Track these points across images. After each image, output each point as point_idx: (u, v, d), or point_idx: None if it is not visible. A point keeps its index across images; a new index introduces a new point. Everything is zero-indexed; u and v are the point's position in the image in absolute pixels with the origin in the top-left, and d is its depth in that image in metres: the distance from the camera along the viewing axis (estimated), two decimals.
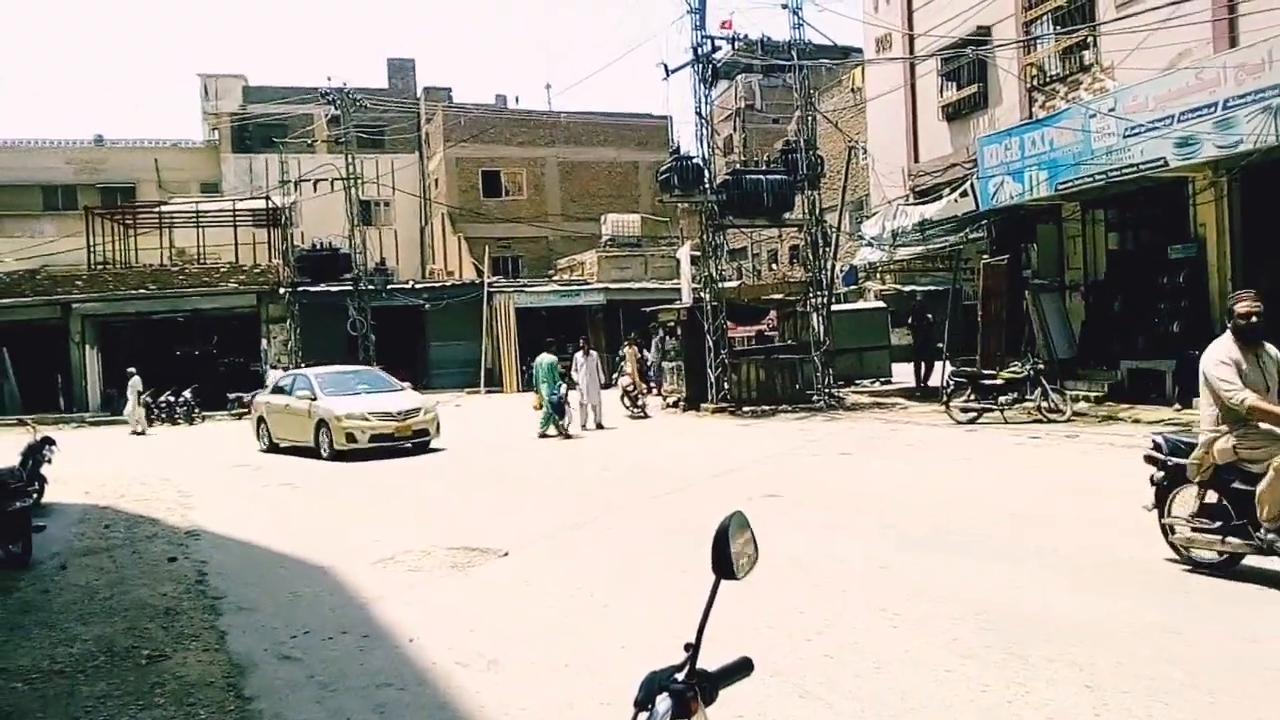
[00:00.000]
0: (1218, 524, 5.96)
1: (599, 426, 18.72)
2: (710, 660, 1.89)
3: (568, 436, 17.56)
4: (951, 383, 16.46)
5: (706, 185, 20.52)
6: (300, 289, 30.71)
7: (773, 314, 25.30)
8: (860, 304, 26.81)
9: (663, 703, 1.79)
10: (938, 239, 19.89)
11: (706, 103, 20.84)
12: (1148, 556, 6.61)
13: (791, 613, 5.78)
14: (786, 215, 22.02)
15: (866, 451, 13.52)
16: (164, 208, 35.22)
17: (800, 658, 5.01)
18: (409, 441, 16.00)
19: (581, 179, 43.38)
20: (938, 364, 20.23)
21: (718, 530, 1.93)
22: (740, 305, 23.60)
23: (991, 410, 15.41)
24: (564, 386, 18.10)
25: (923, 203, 19.87)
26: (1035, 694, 4.36)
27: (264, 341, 30.38)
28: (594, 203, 42.16)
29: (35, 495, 10.03)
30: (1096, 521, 7.92)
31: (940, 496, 9.63)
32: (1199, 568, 6.20)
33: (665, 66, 20.70)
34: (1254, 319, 5.88)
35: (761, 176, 20.95)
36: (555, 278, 36.94)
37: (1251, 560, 6.01)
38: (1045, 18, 18.05)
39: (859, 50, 25.29)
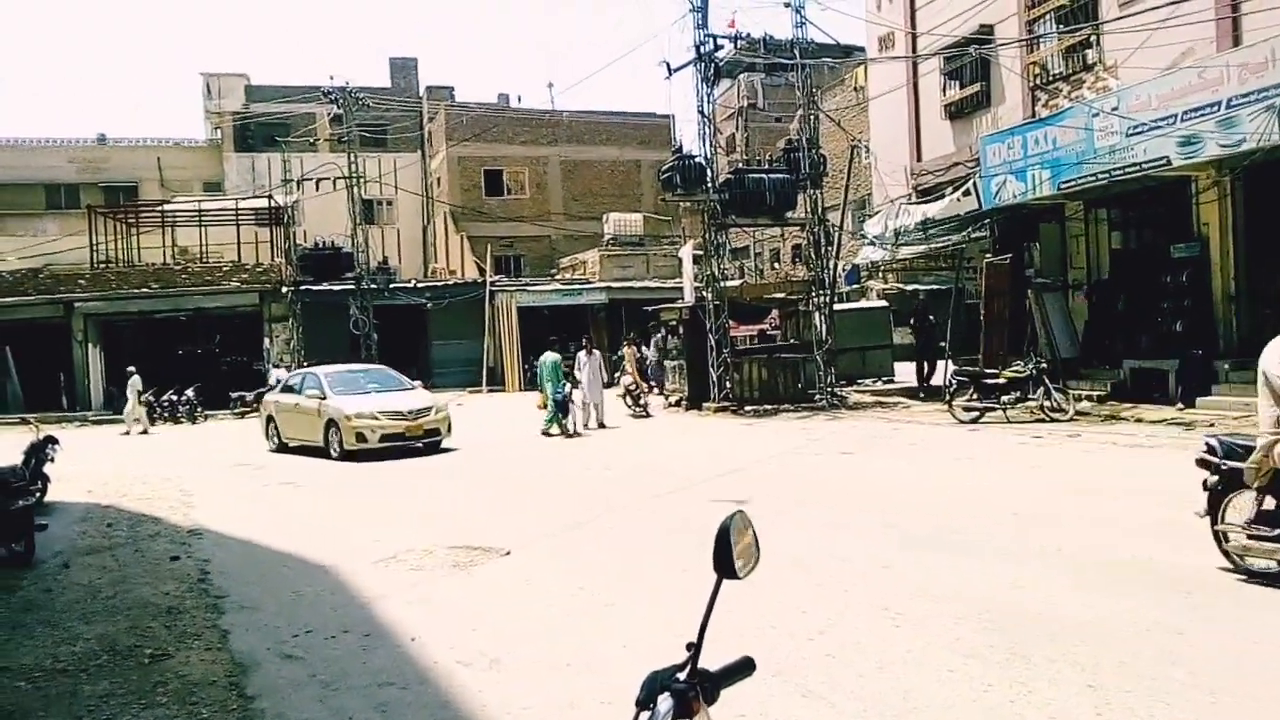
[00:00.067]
0: (1277, 531, 5.65)
1: (601, 426, 18.72)
2: (712, 660, 1.89)
3: (570, 435, 17.57)
4: (954, 382, 16.45)
5: (709, 184, 20.52)
6: (303, 288, 30.72)
7: (775, 313, 25.27)
8: (862, 303, 26.76)
9: (664, 702, 1.78)
10: (940, 238, 19.88)
11: (709, 102, 20.82)
12: (1150, 556, 6.61)
13: (794, 612, 5.77)
14: (789, 214, 22.02)
15: (869, 451, 13.51)
16: (166, 207, 35.26)
17: (802, 657, 5.01)
18: (420, 441, 15.75)
19: (584, 178, 43.39)
20: (940, 363, 20.21)
21: (719, 530, 1.93)
22: (742, 304, 23.59)
23: (994, 409, 15.39)
24: (568, 385, 18.10)
25: (925, 202, 19.86)
26: (1037, 694, 4.35)
27: (266, 340, 30.40)
28: (596, 202, 42.15)
29: (38, 494, 10.04)
30: (1099, 521, 7.91)
31: (943, 496, 9.62)
32: (1254, 577, 5.89)
33: (668, 65, 20.72)
34: None
35: (764, 175, 20.95)
36: (557, 277, 36.93)
37: None
38: (1048, 16, 18.04)
39: (861, 49, 25.28)
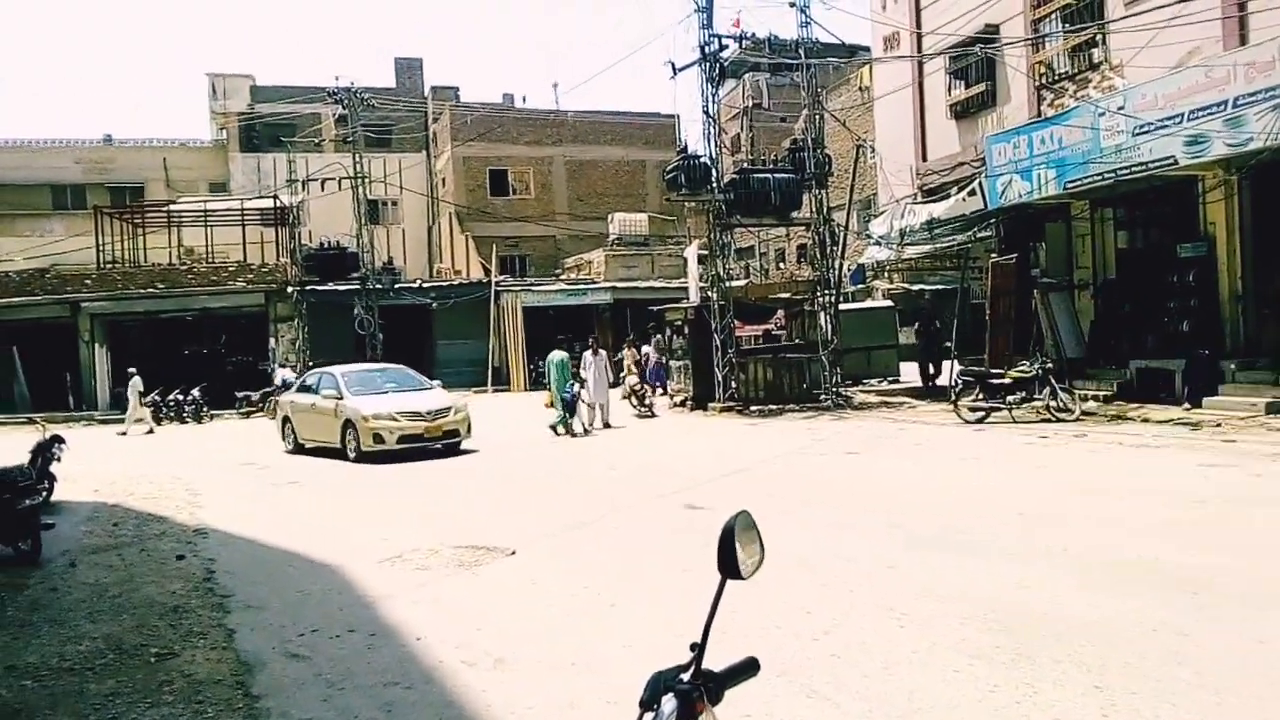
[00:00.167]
0: None
1: (606, 425, 18.73)
2: (716, 660, 1.88)
3: (577, 435, 17.58)
4: (960, 382, 16.42)
5: (714, 184, 20.51)
6: (308, 288, 30.78)
7: (780, 313, 25.26)
8: (868, 303, 26.74)
9: (668, 703, 1.78)
10: (945, 238, 19.84)
11: (714, 101, 20.81)
12: (1156, 556, 6.59)
13: (799, 612, 5.77)
14: (794, 214, 21.99)
15: (874, 451, 13.50)
16: (172, 207, 35.36)
17: (807, 657, 5.00)
18: (439, 443, 15.34)
19: (588, 178, 43.39)
20: (945, 363, 20.19)
21: (723, 530, 1.92)
22: (748, 304, 23.58)
23: (1000, 409, 15.36)
24: (577, 385, 18.10)
25: (930, 201, 19.83)
26: (1043, 694, 4.35)
27: (272, 340, 30.46)
28: (601, 202, 42.16)
29: (45, 493, 10.05)
30: (1105, 521, 7.88)
31: (948, 496, 9.61)
32: None
33: (673, 65, 20.71)
34: None
35: (769, 175, 20.93)
36: (562, 277, 36.95)
37: None
38: (1054, 15, 17.99)
39: (867, 49, 25.17)
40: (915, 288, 27.75)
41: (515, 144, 42.45)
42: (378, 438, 15.03)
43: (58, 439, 10.99)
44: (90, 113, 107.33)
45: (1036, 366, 15.25)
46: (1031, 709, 4.21)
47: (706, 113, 20.64)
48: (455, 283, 34.56)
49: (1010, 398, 15.27)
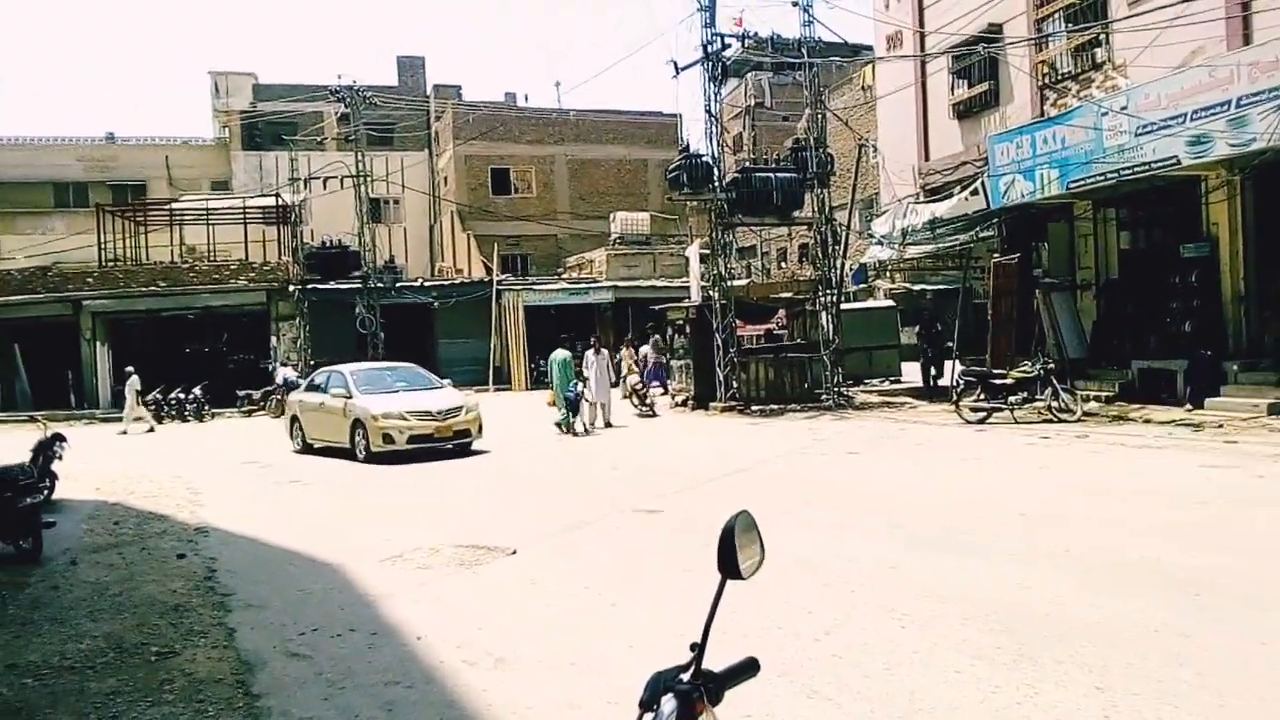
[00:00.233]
0: None
1: (608, 425, 18.73)
2: (717, 660, 1.88)
3: (577, 434, 17.57)
4: (961, 382, 16.41)
5: (716, 183, 20.51)
6: (310, 286, 30.77)
7: (782, 313, 25.25)
8: (870, 303, 26.72)
9: (668, 703, 1.77)
10: (948, 237, 19.83)
11: (716, 100, 20.81)
12: (1158, 557, 6.58)
13: (800, 612, 5.76)
14: (796, 213, 21.99)
15: (875, 451, 13.49)
16: (174, 205, 35.37)
17: (809, 658, 4.99)
18: (450, 443, 15.08)
19: (590, 177, 43.38)
20: (947, 363, 20.17)
21: (723, 530, 1.92)
22: (749, 304, 23.56)
23: (1001, 410, 15.34)
24: (579, 384, 18.09)
25: (933, 201, 19.82)
26: (1044, 695, 4.34)
27: (273, 339, 30.47)
28: (603, 201, 42.13)
29: (46, 492, 10.05)
30: (1107, 522, 7.87)
31: (950, 496, 9.60)
32: None
33: (675, 64, 20.71)
34: None
35: (771, 174, 20.92)
36: (564, 276, 36.94)
37: None
38: (1057, 15, 17.98)
39: (869, 48, 25.16)
40: (917, 287, 27.73)
41: (517, 143, 42.44)
42: (387, 438, 14.77)
43: (59, 437, 10.99)
44: (92, 111, 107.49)
45: (1038, 367, 15.23)
46: (1033, 710, 4.20)
47: (709, 112, 20.64)
48: (457, 282, 34.54)
49: (1012, 398, 15.26)
